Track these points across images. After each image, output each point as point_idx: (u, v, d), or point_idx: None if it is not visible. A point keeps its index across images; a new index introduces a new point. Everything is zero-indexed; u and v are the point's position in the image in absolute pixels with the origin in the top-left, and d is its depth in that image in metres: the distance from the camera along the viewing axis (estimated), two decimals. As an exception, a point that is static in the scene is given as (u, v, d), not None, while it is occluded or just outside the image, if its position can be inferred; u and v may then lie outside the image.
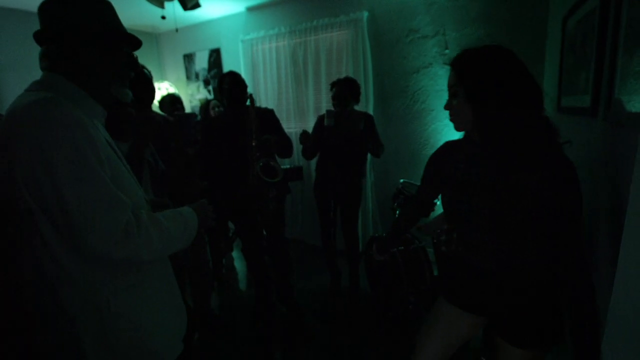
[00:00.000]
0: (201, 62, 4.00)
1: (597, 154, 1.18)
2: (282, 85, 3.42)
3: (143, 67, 1.55)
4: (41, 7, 0.82)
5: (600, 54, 1.19)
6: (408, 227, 1.37)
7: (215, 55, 3.83)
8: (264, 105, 3.11)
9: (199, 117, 2.94)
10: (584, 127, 1.36)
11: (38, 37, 0.81)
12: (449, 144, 1.14)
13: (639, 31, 0.91)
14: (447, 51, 2.63)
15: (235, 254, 3.32)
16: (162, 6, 2.00)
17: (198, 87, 4.10)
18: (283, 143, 2.05)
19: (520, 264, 0.99)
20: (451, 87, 0.99)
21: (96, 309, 0.80)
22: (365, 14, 2.84)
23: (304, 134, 2.19)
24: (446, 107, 1.02)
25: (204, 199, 1.05)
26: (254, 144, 1.33)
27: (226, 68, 3.82)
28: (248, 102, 1.82)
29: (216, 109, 2.90)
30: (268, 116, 2.09)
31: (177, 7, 2.13)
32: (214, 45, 3.82)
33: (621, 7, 1.04)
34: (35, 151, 0.69)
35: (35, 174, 0.69)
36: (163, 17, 2.20)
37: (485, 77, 0.92)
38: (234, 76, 1.99)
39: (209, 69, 3.95)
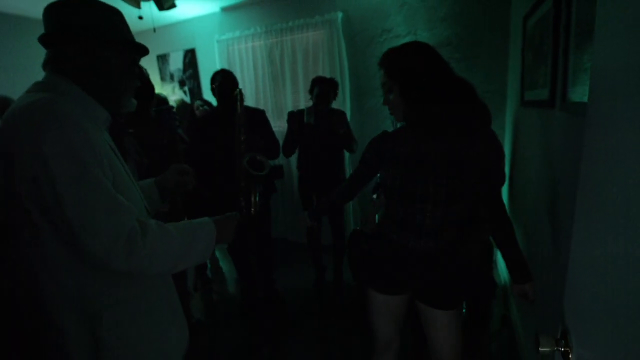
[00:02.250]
0: (176, 63, 3.94)
1: (556, 140, 1.30)
2: (260, 85, 3.44)
3: (140, 67, 1.54)
4: (53, 10, 0.78)
5: (555, 52, 1.32)
6: (339, 201, 1.46)
7: (190, 56, 3.80)
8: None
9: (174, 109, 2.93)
10: (544, 118, 1.49)
11: (45, 39, 0.79)
12: (386, 133, 1.26)
13: (587, 31, 1.02)
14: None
15: (218, 253, 3.32)
16: (138, 6, 1.98)
17: (173, 89, 4.04)
18: (269, 145, 2.10)
19: (452, 239, 1.15)
20: (384, 84, 1.12)
21: (88, 322, 0.77)
22: (340, 14, 2.92)
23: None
24: (384, 103, 1.14)
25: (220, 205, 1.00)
26: (242, 138, 1.36)
27: (202, 68, 3.79)
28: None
29: (200, 109, 2.89)
30: (258, 117, 2.14)
31: (152, 7, 2.12)
32: (189, 46, 3.78)
33: (571, 9, 1.16)
34: (33, 153, 0.66)
35: (34, 175, 0.67)
36: (140, 17, 2.17)
37: (409, 72, 1.06)
38: (226, 73, 2.02)
39: (184, 70, 3.90)
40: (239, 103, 1.36)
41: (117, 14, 0.84)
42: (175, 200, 1.60)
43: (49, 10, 0.78)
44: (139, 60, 0.91)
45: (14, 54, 2.97)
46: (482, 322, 1.81)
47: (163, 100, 2.79)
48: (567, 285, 0.73)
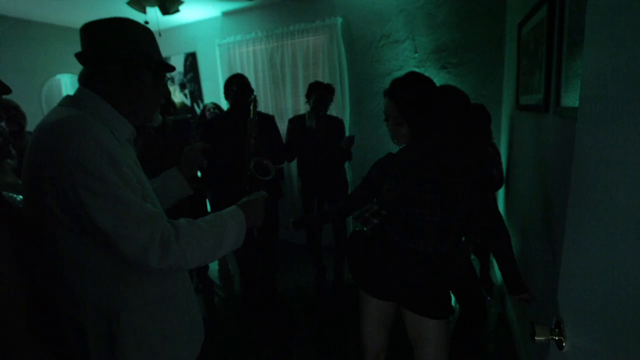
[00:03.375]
0: (176, 66, 3.98)
1: (550, 143, 1.36)
2: (260, 88, 3.49)
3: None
4: (93, 29, 0.82)
5: (549, 58, 1.37)
6: (334, 217, 1.51)
7: (191, 59, 3.84)
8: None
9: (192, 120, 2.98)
10: (539, 122, 1.55)
11: (84, 56, 0.83)
12: (391, 154, 1.35)
13: (579, 39, 1.08)
14: (416, 55, 2.81)
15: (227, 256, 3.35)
16: (144, 11, 2.02)
17: (174, 91, 4.08)
18: (277, 151, 2.16)
19: (450, 244, 1.20)
20: (394, 118, 1.20)
21: (105, 322, 0.80)
22: (340, 19, 2.98)
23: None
24: (390, 130, 1.24)
25: (247, 194, 1.04)
26: (252, 142, 1.40)
27: (203, 72, 3.84)
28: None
29: (212, 111, 2.94)
30: (268, 122, 2.20)
31: (157, 11, 2.16)
32: (190, 49, 3.83)
33: (564, 17, 1.22)
34: (60, 167, 0.70)
35: (62, 190, 0.71)
36: (146, 22, 2.21)
37: (422, 109, 1.16)
38: (241, 78, 2.08)
39: (185, 73, 3.94)
40: (252, 108, 1.41)
41: (150, 34, 0.89)
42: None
43: (88, 28, 0.82)
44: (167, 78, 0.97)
45: (11, 56, 3.00)
46: (478, 321, 1.86)
47: (171, 102, 2.83)
48: (561, 279, 0.78)
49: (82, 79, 0.85)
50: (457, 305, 2.17)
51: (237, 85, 2.04)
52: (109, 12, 3.03)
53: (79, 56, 0.83)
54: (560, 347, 0.73)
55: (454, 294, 1.81)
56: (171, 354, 0.91)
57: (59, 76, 3.46)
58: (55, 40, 3.37)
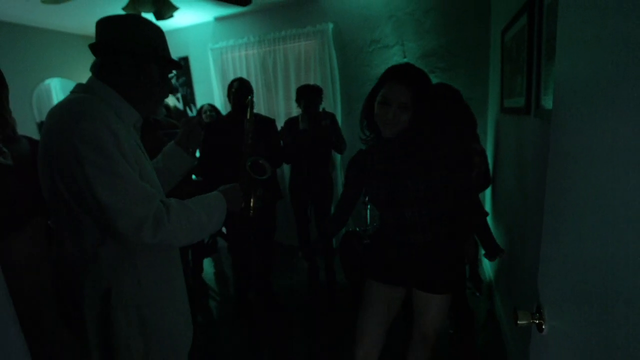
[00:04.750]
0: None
1: (531, 143, 1.43)
2: (253, 93, 3.53)
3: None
4: (108, 23, 0.89)
5: (530, 63, 1.45)
6: (335, 231, 1.45)
7: (183, 63, 3.86)
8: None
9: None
10: (521, 124, 1.63)
11: (97, 47, 0.89)
12: (362, 151, 1.34)
13: (555, 45, 1.15)
14: (405, 59, 2.89)
15: (223, 257, 3.36)
16: (139, 17, 2.05)
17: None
18: (275, 153, 2.22)
19: (442, 231, 1.28)
20: (402, 102, 1.12)
21: (100, 300, 0.87)
22: (331, 25, 3.05)
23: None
24: (392, 119, 1.14)
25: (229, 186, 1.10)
26: (249, 142, 1.44)
27: (195, 76, 3.86)
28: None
29: (208, 113, 2.97)
30: (268, 125, 2.25)
31: (151, 16, 2.19)
32: (182, 54, 3.85)
33: (542, 25, 1.30)
34: (67, 143, 0.76)
35: (68, 165, 0.77)
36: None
37: (432, 97, 1.18)
38: (241, 81, 2.15)
39: (177, 77, 3.96)
40: (249, 109, 1.45)
41: (160, 33, 0.95)
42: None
43: (103, 22, 0.89)
44: (173, 74, 1.03)
45: (1, 60, 2.98)
46: (469, 319, 1.93)
47: (166, 106, 2.86)
48: (541, 268, 0.84)
49: (94, 69, 0.91)
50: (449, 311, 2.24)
51: (236, 88, 2.11)
52: (97, 14, 3.05)
53: (92, 47, 0.89)
54: (540, 330, 0.79)
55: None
56: (162, 335, 0.96)
57: (48, 81, 3.44)
58: (45, 44, 3.36)
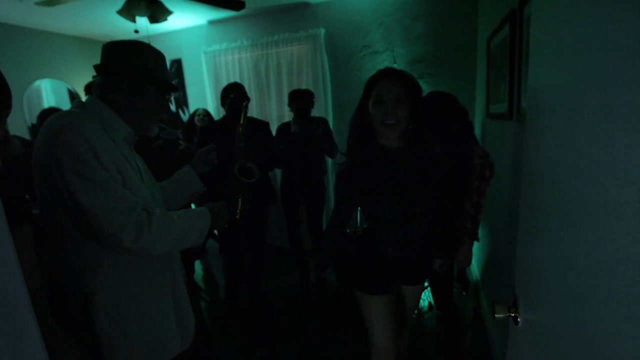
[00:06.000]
0: (161, 73, 4.00)
1: (513, 147, 1.50)
2: (249, 99, 3.56)
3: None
4: (113, 47, 0.96)
5: (512, 71, 1.52)
6: (333, 250, 1.39)
7: (176, 66, 3.88)
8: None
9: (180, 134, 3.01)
10: (505, 128, 1.70)
11: (101, 68, 0.96)
12: (347, 169, 1.24)
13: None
14: (395, 65, 2.96)
15: (211, 259, 3.37)
16: (133, 20, 2.08)
17: (158, 97, 4.09)
18: (269, 157, 2.26)
19: (417, 247, 1.30)
20: (396, 95, 1.11)
21: (84, 300, 0.89)
22: (323, 30, 3.11)
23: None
24: (392, 115, 1.12)
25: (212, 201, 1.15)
26: (241, 145, 1.48)
27: (188, 78, 3.88)
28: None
29: (201, 117, 2.98)
30: (262, 128, 2.28)
31: (146, 19, 2.22)
32: (175, 56, 3.87)
33: (522, 35, 1.37)
34: (49, 154, 0.82)
35: (51, 174, 0.82)
36: (136, 32, 2.27)
37: (420, 92, 1.21)
38: (238, 87, 2.19)
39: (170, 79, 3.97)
40: (243, 114, 1.49)
41: (161, 57, 1.02)
42: None
43: (108, 45, 0.97)
44: (170, 96, 1.10)
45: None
46: (456, 318, 1.98)
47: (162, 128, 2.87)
48: (517, 265, 0.90)
49: (94, 87, 0.97)
50: (437, 310, 2.29)
51: (234, 94, 2.14)
52: (97, 19, 3.05)
53: (96, 67, 0.96)
54: (516, 322, 0.83)
55: (433, 297, 1.95)
56: (143, 335, 0.97)
57: (38, 82, 3.41)
58: (36, 45, 3.34)
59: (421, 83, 2.81)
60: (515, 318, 0.84)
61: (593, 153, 0.46)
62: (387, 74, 1.17)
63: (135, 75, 0.96)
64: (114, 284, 0.92)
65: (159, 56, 1.02)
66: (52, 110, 2.34)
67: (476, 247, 1.71)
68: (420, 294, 1.56)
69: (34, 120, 3.08)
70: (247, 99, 2.08)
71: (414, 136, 1.19)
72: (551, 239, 0.64)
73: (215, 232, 3.04)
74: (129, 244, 0.85)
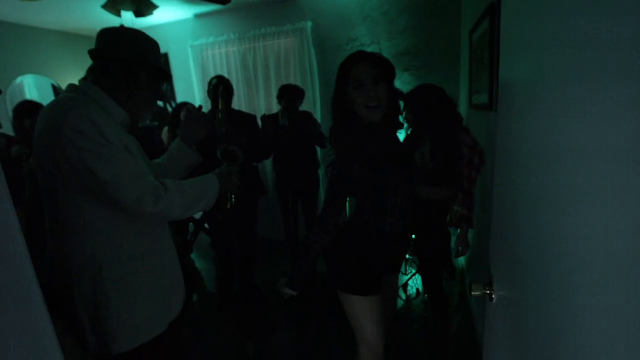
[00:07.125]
0: (147, 67, 3.96)
1: (493, 137, 1.56)
2: (234, 89, 3.56)
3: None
4: (108, 33, 0.98)
5: (492, 63, 1.57)
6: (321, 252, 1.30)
7: (163, 60, 3.84)
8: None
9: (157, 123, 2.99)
10: (486, 119, 1.76)
11: (96, 53, 0.98)
12: (344, 152, 1.20)
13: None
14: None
15: (194, 255, 3.39)
16: (118, 14, 2.06)
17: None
18: (257, 149, 2.29)
19: (410, 218, 1.34)
20: (373, 75, 1.12)
21: (91, 274, 0.93)
22: (309, 23, 3.12)
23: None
24: (373, 98, 1.13)
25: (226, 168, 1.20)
26: (223, 130, 1.48)
27: (175, 72, 3.85)
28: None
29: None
30: (250, 121, 2.30)
31: (131, 13, 2.21)
32: (162, 50, 3.81)
33: (500, 28, 1.42)
34: (58, 135, 0.84)
35: (63, 154, 0.85)
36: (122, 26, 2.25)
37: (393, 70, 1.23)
38: (219, 77, 2.22)
39: (156, 74, 3.93)
40: (220, 99, 1.50)
41: (154, 45, 1.04)
42: None
43: (102, 32, 0.99)
44: (164, 84, 1.12)
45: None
46: (444, 303, 2.06)
47: (158, 112, 2.86)
48: (491, 246, 0.96)
49: (88, 72, 0.99)
50: (425, 296, 2.37)
51: (214, 84, 2.15)
52: (81, 13, 3.00)
53: (90, 52, 0.99)
54: (491, 299, 0.90)
55: (422, 283, 2.02)
56: (148, 306, 1.02)
57: (20, 78, 3.35)
58: (17, 40, 3.27)
59: (407, 75, 2.88)
60: (490, 295, 0.90)
61: (556, 142, 0.50)
62: (361, 57, 1.17)
63: (128, 60, 0.98)
64: (121, 257, 0.97)
65: (152, 44, 1.04)
66: (27, 104, 2.30)
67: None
68: (397, 281, 1.62)
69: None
70: (225, 85, 2.08)
71: (394, 111, 1.25)
72: (519, 222, 0.69)
73: (206, 225, 3.07)
74: (151, 207, 0.91)
